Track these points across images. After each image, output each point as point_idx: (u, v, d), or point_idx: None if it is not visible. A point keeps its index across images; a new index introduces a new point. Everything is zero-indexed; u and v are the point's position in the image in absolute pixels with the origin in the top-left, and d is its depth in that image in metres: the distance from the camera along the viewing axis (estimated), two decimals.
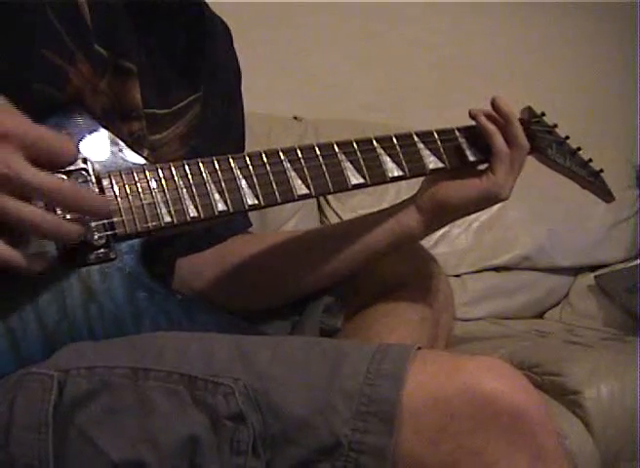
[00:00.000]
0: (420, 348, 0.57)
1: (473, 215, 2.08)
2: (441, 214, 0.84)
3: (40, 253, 0.60)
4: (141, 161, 0.69)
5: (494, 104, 0.83)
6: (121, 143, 0.69)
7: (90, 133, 0.68)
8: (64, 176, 0.63)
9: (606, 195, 0.97)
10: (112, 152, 0.68)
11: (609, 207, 2.01)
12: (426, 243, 1.78)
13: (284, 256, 0.89)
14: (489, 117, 0.83)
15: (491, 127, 0.82)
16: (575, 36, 2.34)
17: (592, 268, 2.03)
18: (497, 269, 1.94)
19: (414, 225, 0.83)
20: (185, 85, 0.84)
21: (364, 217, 0.89)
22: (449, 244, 1.87)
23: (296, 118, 1.88)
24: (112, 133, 0.69)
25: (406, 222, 0.83)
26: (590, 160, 0.94)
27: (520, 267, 1.96)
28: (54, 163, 0.58)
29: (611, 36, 2.37)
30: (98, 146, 0.67)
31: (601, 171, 0.95)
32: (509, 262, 1.94)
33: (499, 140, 0.81)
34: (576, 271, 2.04)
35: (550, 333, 1.70)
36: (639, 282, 1.81)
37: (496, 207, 2.07)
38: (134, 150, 0.69)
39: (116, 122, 0.73)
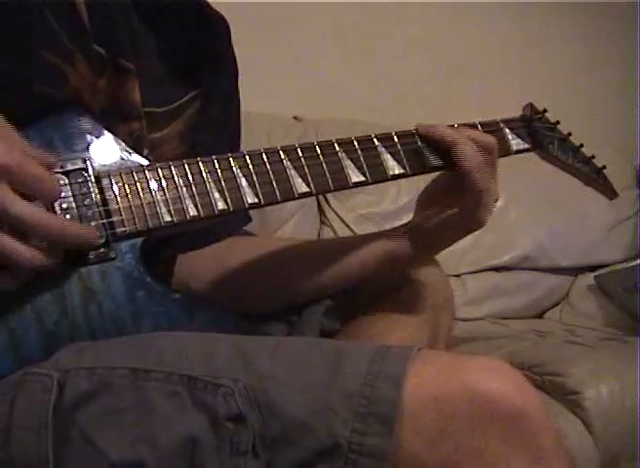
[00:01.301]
0: (420, 349, 0.57)
1: None
2: (428, 244, 0.83)
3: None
4: (141, 160, 0.69)
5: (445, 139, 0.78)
6: (120, 143, 0.69)
7: (89, 132, 0.67)
8: (65, 178, 0.63)
9: (609, 192, 0.96)
10: (111, 152, 0.68)
11: (609, 207, 2.03)
12: None
13: (285, 263, 0.88)
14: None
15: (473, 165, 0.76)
16: (575, 36, 2.34)
17: (592, 268, 2.03)
18: (497, 269, 1.94)
19: (404, 249, 0.83)
20: (185, 82, 0.84)
21: (363, 236, 0.88)
22: None
23: (296, 118, 1.88)
24: (112, 132, 0.69)
25: (398, 246, 0.83)
26: (593, 156, 0.94)
27: (520, 267, 1.96)
28: (38, 199, 0.58)
29: (611, 36, 2.37)
30: (97, 146, 0.67)
31: (604, 167, 0.94)
32: (509, 262, 1.94)
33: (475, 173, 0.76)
34: (576, 271, 2.04)
35: (550, 334, 1.71)
36: (639, 282, 1.82)
37: (496, 207, 2.07)
38: (133, 150, 0.69)
39: (115, 122, 0.73)
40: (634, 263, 2.01)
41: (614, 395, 1.25)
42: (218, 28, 0.91)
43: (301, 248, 0.90)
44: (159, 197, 0.66)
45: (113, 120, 0.73)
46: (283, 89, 1.91)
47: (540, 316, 1.99)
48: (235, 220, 0.93)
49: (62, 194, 0.63)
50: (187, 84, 0.84)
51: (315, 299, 0.89)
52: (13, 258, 0.56)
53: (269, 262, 0.88)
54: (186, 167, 0.68)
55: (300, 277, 0.87)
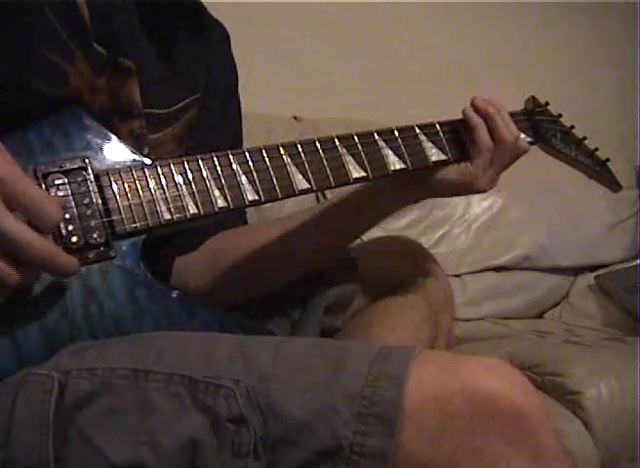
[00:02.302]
0: (420, 349, 0.57)
1: (473, 215, 2.09)
2: (417, 191, 0.85)
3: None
4: (140, 159, 0.68)
5: (473, 105, 0.84)
6: (120, 142, 0.69)
7: (88, 131, 0.67)
8: (64, 177, 0.63)
9: (612, 184, 0.96)
10: (111, 151, 0.68)
11: (609, 207, 2.03)
12: (426, 243, 1.79)
13: (277, 241, 0.88)
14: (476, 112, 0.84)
15: (476, 119, 0.82)
16: (574, 36, 2.34)
17: (592, 268, 2.03)
18: (497, 269, 1.94)
19: (392, 199, 0.85)
20: (184, 86, 0.84)
21: (348, 195, 0.89)
22: (449, 244, 1.87)
23: (296, 118, 1.88)
24: (111, 131, 0.69)
25: (387, 196, 0.85)
26: (597, 149, 0.93)
27: (520, 267, 1.96)
28: (31, 221, 0.56)
29: (611, 36, 2.37)
30: (96, 145, 0.67)
31: (607, 160, 0.94)
32: (509, 262, 1.94)
33: (481, 133, 0.81)
34: (576, 271, 2.04)
35: (550, 333, 1.71)
36: (639, 282, 1.82)
37: (496, 206, 2.08)
38: (133, 148, 0.69)
39: (115, 120, 0.73)
40: (634, 263, 2.01)
41: (614, 395, 1.25)
42: (214, 33, 0.91)
43: (291, 223, 0.90)
44: (159, 195, 0.66)
45: (113, 119, 0.73)
46: (282, 89, 1.91)
47: (540, 316, 1.99)
48: (228, 219, 0.93)
49: (61, 193, 0.62)
50: (186, 88, 0.84)
51: (324, 285, 0.90)
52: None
53: (262, 245, 0.89)
54: (186, 164, 0.68)
55: (296, 250, 0.88)
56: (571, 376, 1.26)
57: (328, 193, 1.80)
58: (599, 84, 2.36)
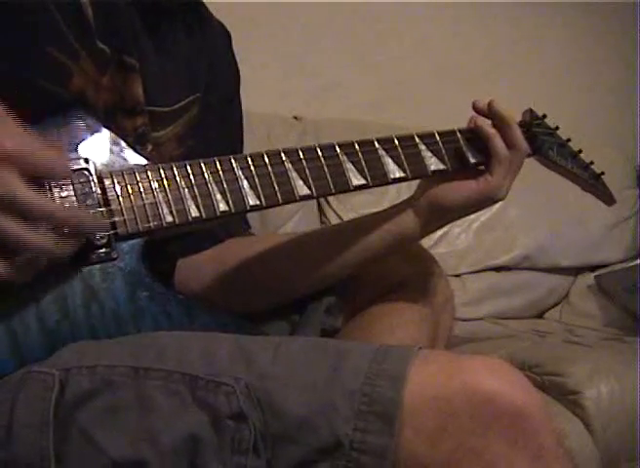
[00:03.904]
0: (420, 348, 0.58)
1: (473, 215, 2.08)
2: (438, 216, 0.84)
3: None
4: (143, 161, 0.69)
5: (490, 108, 0.82)
6: (123, 143, 0.69)
7: (91, 132, 0.68)
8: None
9: (607, 198, 0.97)
10: (114, 152, 0.68)
11: (609, 207, 2.03)
12: (426, 243, 1.79)
13: (283, 258, 0.89)
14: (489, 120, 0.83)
15: (490, 130, 0.81)
16: (575, 36, 2.34)
17: (592, 268, 2.03)
18: (497, 269, 1.94)
19: (411, 227, 0.83)
20: (185, 85, 0.84)
21: (362, 219, 0.89)
22: (449, 244, 1.87)
23: (296, 118, 1.88)
24: (114, 131, 0.69)
25: (404, 224, 0.83)
26: (592, 162, 0.95)
27: (520, 267, 1.96)
28: (48, 179, 0.58)
29: (610, 36, 2.37)
30: (99, 146, 0.67)
31: (602, 173, 0.95)
32: (509, 262, 1.94)
33: (498, 143, 0.80)
34: (576, 271, 2.04)
35: (550, 333, 1.71)
36: (639, 282, 1.82)
37: (496, 206, 2.07)
38: (136, 150, 0.70)
39: (119, 118, 0.74)
40: (634, 263, 2.01)
41: (614, 395, 1.25)
42: (215, 33, 0.91)
43: (304, 239, 0.91)
44: (161, 198, 0.66)
45: (117, 116, 0.74)
46: (283, 89, 1.91)
47: (540, 316, 1.99)
48: (234, 224, 0.93)
49: (65, 194, 0.63)
50: (188, 87, 0.84)
51: (319, 290, 0.89)
52: (20, 246, 0.55)
53: (272, 257, 0.89)
54: (188, 168, 0.68)
55: (306, 268, 0.87)
56: (571, 376, 1.26)
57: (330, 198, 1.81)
58: (599, 84, 2.36)
